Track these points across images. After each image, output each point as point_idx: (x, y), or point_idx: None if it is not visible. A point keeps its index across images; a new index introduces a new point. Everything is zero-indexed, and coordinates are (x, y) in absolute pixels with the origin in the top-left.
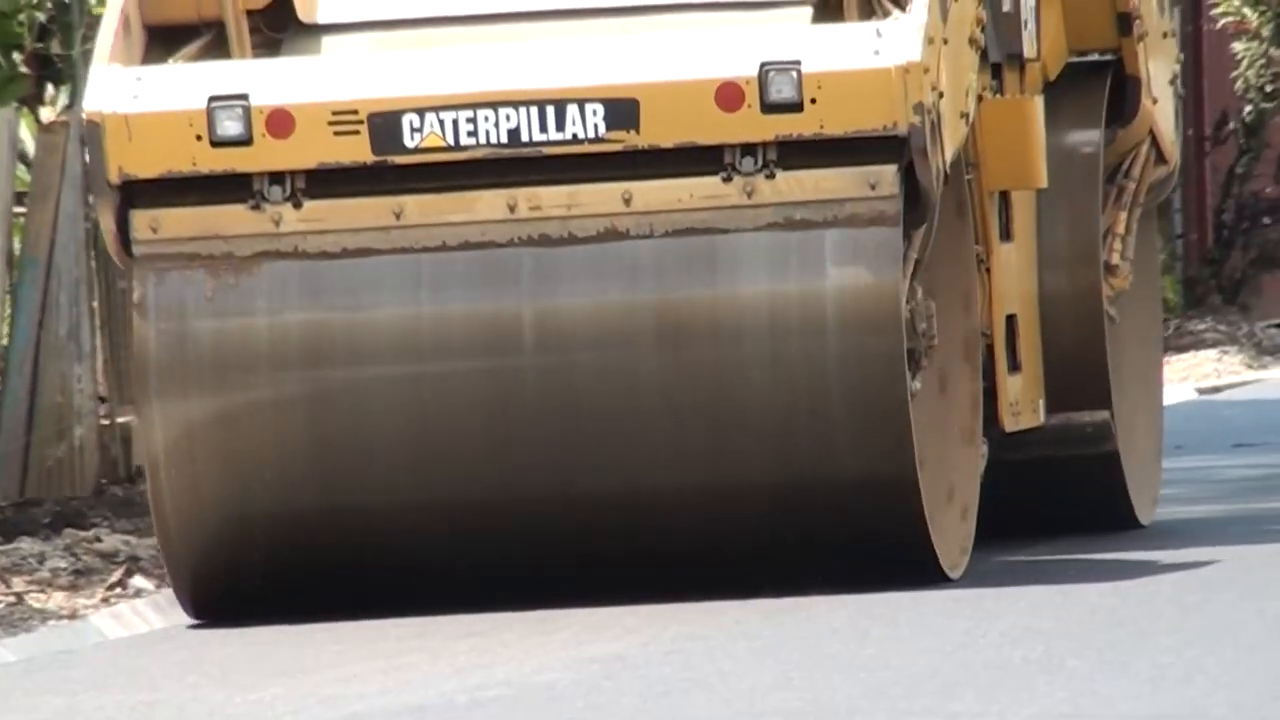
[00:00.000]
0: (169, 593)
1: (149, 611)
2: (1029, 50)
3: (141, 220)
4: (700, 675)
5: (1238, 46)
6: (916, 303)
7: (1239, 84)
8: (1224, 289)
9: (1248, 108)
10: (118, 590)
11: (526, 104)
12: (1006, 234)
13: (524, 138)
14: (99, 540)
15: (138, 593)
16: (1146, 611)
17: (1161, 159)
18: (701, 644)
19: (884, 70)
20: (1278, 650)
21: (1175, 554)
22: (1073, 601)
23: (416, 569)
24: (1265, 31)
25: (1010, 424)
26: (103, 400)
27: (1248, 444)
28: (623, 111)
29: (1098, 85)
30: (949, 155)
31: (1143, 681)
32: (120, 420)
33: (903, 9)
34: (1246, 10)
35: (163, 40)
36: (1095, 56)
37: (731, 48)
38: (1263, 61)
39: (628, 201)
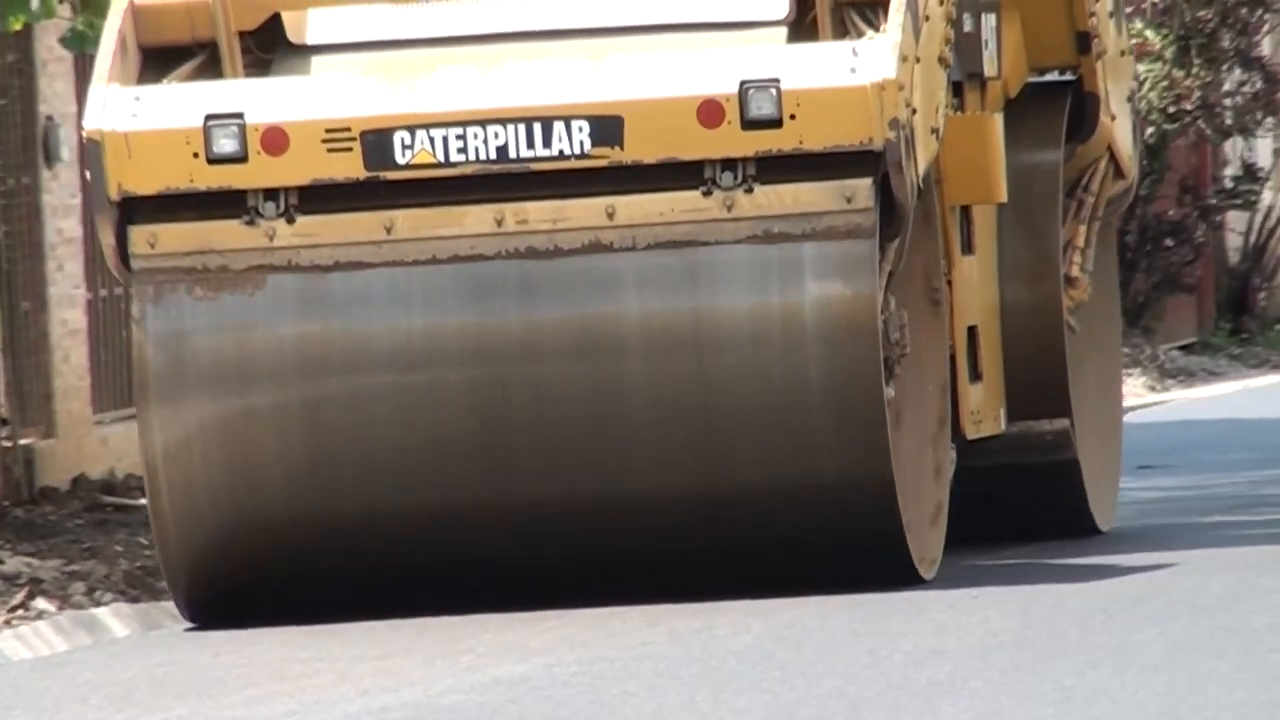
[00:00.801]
0: (71, 614)
1: (51, 634)
2: (989, 69)
3: (140, 235)
4: (605, 698)
5: (1140, 68)
6: (890, 313)
7: (1141, 105)
8: (1127, 312)
9: (1150, 129)
10: (20, 612)
11: (514, 121)
12: (968, 247)
13: (512, 154)
14: (1, 563)
15: (40, 615)
16: (1051, 632)
17: (1120, 173)
18: (606, 666)
19: (860, 87)
20: (1179, 671)
21: (1080, 576)
22: (976, 623)
23: (408, 572)
24: (1168, 54)
25: (972, 432)
26: (4, 422)
27: (1152, 466)
28: (607, 128)
29: (1058, 102)
30: (922, 169)
31: (1046, 703)
32: (23, 442)
33: (876, 29)
34: (1149, 32)
35: (158, 61)
36: (1055, 75)
37: (712, 66)
38: (1165, 83)
39: (611, 215)
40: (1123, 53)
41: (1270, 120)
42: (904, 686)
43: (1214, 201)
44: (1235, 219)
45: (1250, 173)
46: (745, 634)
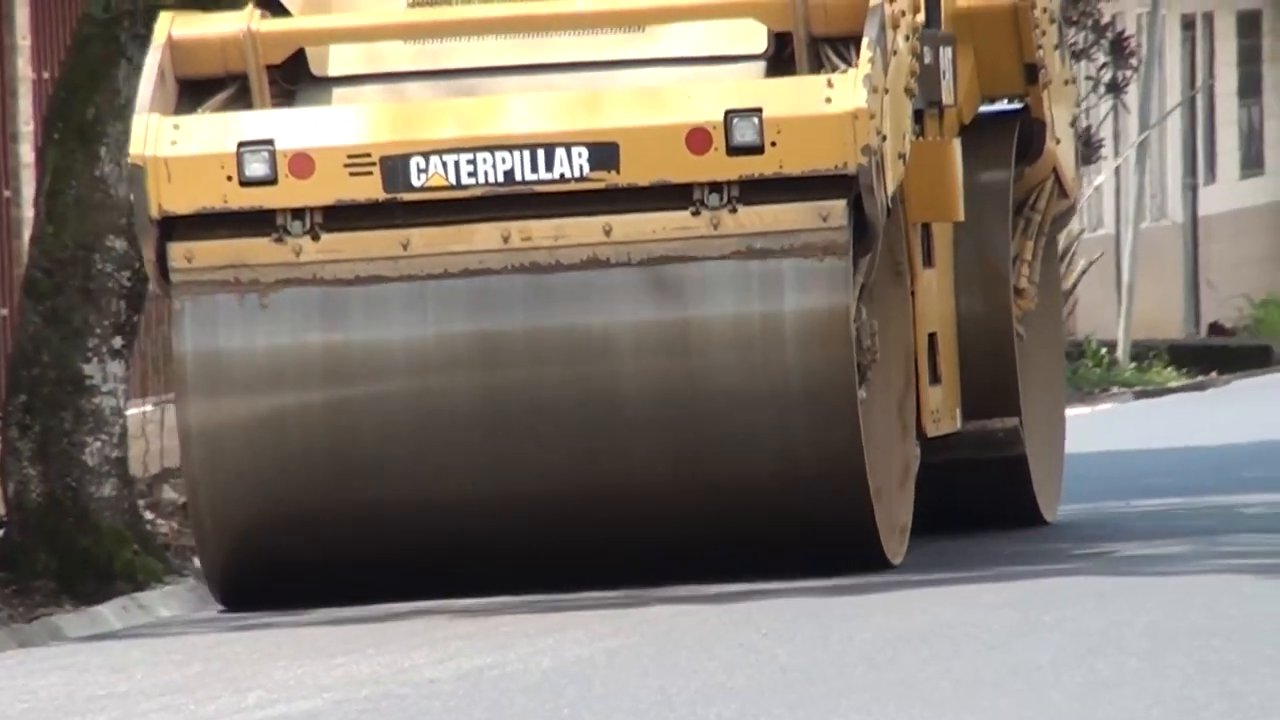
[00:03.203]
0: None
1: None
2: (947, 98)
3: (178, 251)
4: None
5: None
6: (862, 321)
7: None
8: None
9: None
10: None
11: (519, 148)
12: (928, 261)
13: (517, 177)
14: None
15: None
16: (838, 669)
17: (1063, 193)
18: (396, 703)
19: (836, 116)
20: (965, 708)
21: (870, 611)
22: (766, 660)
23: (422, 560)
24: None
25: (932, 430)
26: None
27: None
28: (604, 154)
29: (1008, 128)
30: (891, 191)
31: None
32: None
33: (848, 63)
34: None
35: (192, 91)
36: (1005, 103)
37: (699, 97)
38: None
39: (608, 233)
40: (1065, 82)
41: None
42: None
43: None
44: None
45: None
46: (536, 669)
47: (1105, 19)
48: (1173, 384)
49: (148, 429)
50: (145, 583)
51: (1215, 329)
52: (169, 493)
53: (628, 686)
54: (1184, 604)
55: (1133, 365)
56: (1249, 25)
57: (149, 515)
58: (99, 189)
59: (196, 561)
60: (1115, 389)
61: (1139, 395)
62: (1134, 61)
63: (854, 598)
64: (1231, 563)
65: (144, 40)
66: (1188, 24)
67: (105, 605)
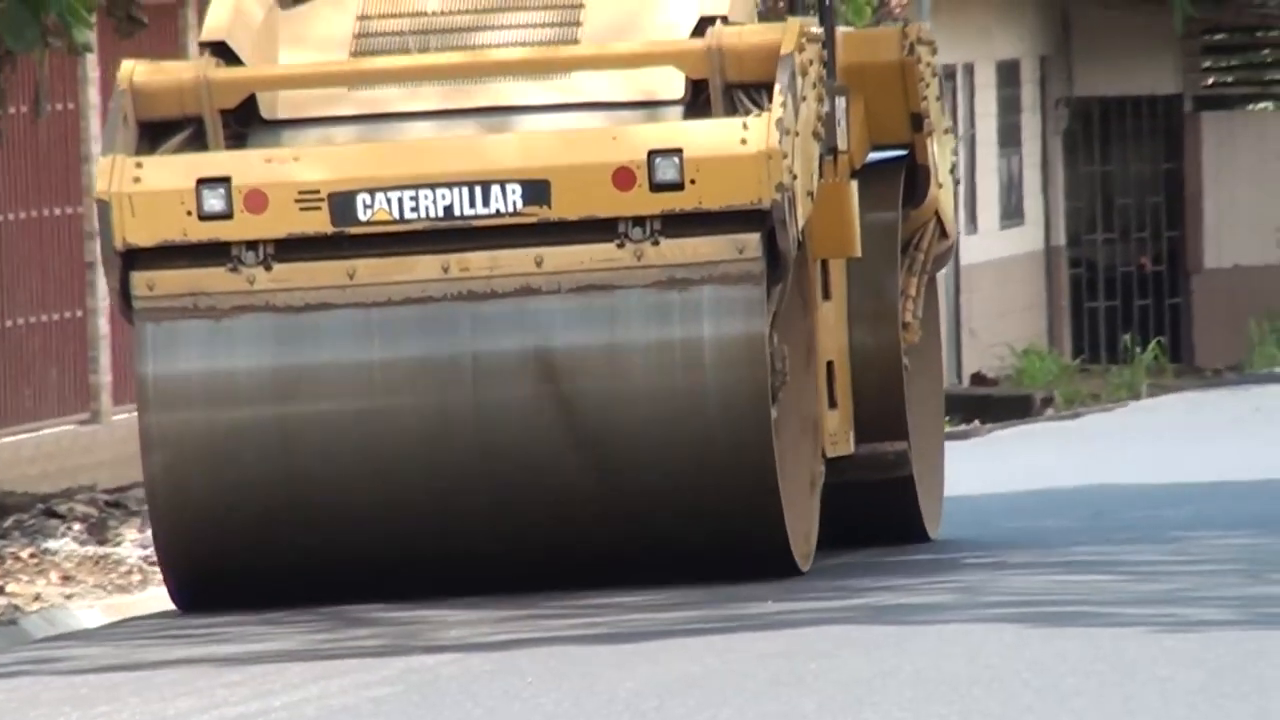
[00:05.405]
0: None
1: None
2: (841, 144)
3: (141, 280)
4: None
5: None
6: (774, 346)
7: None
8: None
9: None
10: None
11: (458, 184)
12: (826, 294)
13: (456, 212)
14: None
15: None
16: (604, 719)
17: (944, 234)
18: None
19: (751, 156)
20: None
21: (634, 660)
22: (529, 708)
23: (366, 570)
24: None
25: (830, 451)
26: None
27: None
28: (536, 190)
29: (895, 173)
30: (801, 225)
31: None
32: None
33: (761, 107)
34: None
35: (151, 133)
36: (892, 150)
37: (624, 138)
38: None
39: (540, 264)
40: (945, 131)
41: None
42: None
43: None
44: None
45: None
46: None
47: None
48: None
49: None
50: None
51: (977, 379)
52: None
53: None
54: (947, 653)
55: None
56: (1009, 75)
57: None
58: None
59: None
60: None
61: None
62: None
63: (623, 646)
64: (993, 612)
65: None
66: (949, 74)
67: None
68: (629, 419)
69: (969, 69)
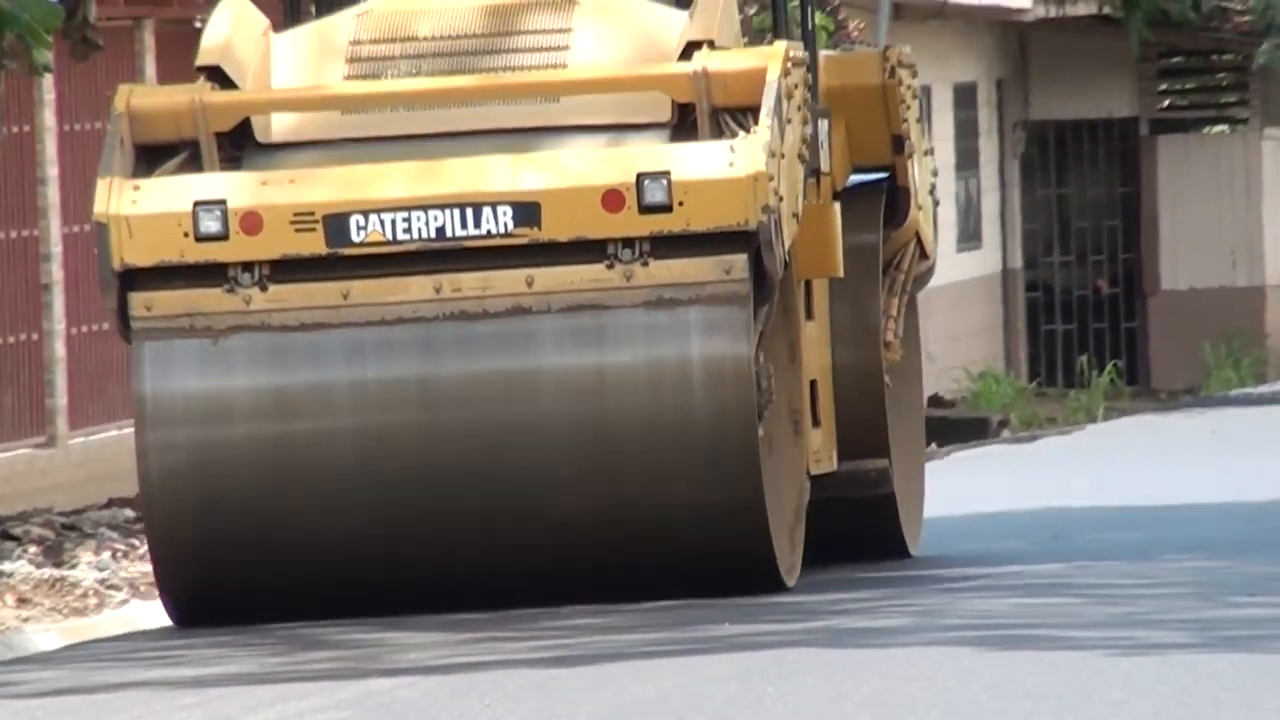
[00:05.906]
0: None
1: None
2: (824, 166)
3: (138, 301)
4: None
5: None
6: (760, 366)
7: None
8: None
9: None
10: None
11: (450, 206)
12: (809, 314)
13: (448, 233)
14: None
15: None
16: None
17: (924, 255)
18: None
19: (738, 178)
20: None
21: (598, 683)
22: None
23: (361, 582)
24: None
25: (814, 469)
26: None
27: None
28: (527, 212)
29: (877, 195)
30: (787, 246)
31: None
32: None
33: (747, 130)
34: None
35: (148, 156)
36: (872, 174)
37: (614, 161)
38: None
39: (530, 284)
40: (925, 153)
41: None
42: None
43: None
44: None
45: None
46: None
47: None
48: None
49: None
50: None
51: (935, 401)
52: None
53: None
54: (903, 675)
55: None
56: (966, 98)
57: None
58: None
59: None
60: None
61: None
62: None
63: (581, 669)
64: (951, 635)
65: None
66: None
67: None
68: (618, 439)
69: (926, 92)
